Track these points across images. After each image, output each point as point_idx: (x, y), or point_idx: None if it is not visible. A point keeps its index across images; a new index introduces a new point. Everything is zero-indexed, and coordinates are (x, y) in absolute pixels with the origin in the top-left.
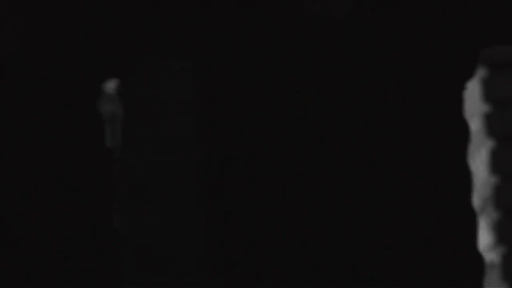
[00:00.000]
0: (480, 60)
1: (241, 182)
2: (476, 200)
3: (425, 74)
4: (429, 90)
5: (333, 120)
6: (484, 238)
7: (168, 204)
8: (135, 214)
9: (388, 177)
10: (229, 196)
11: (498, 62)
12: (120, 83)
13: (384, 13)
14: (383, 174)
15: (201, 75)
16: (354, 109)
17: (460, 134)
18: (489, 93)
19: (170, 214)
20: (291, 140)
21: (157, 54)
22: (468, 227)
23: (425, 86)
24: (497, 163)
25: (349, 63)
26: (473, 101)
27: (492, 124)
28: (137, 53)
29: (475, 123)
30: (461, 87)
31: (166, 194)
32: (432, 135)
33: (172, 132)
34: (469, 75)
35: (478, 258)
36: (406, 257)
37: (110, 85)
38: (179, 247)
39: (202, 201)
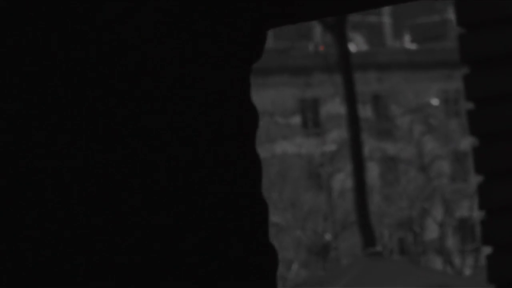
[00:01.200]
0: (462, 59)
1: None
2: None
3: (206, 58)
4: (211, 74)
5: (103, 115)
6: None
7: None
8: None
9: (173, 168)
10: None
11: (479, 59)
12: None
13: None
14: (169, 165)
15: None
16: (134, 101)
17: (246, 120)
18: (471, 90)
19: None
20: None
21: None
22: (258, 218)
23: (207, 70)
24: (480, 162)
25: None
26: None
27: (474, 122)
28: None
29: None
30: (246, 70)
31: None
32: (217, 122)
33: None
34: (255, 57)
35: (269, 251)
36: (197, 253)
37: None
38: None
39: None
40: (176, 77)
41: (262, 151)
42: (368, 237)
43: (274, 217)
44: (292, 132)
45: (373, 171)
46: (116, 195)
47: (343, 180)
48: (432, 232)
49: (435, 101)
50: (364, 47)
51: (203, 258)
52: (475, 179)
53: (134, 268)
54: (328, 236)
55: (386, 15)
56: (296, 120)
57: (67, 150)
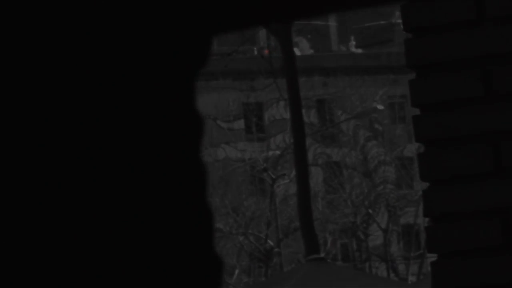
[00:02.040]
0: (407, 64)
1: None
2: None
3: (148, 63)
4: (152, 80)
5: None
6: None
7: None
8: None
9: (111, 175)
10: None
11: (425, 65)
12: None
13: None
14: (107, 173)
15: None
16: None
17: (191, 128)
18: (416, 96)
19: None
20: None
21: None
22: (202, 226)
23: (147, 76)
24: (425, 169)
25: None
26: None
27: (420, 128)
28: None
29: None
30: (189, 76)
31: None
32: (157, 129)
33: None
34: (199, 64)
35: (213, 258)
36: (135, 263)
37: None
38: None
39: None
40: (116, 82)
41: (205, 156)
42: (312, 243)
43: (217, 223)
44: (235, 137)
45: (317, 177)
46: (49, 200)
47: (286, 185)
48: (376, 238)
49: (380, 106)
50: (309, 51)
51: (142, 268)
52: (420, 186)
53: (74, 274)
54: (271, 242)
55: (331, 19)
56: (240, 124)
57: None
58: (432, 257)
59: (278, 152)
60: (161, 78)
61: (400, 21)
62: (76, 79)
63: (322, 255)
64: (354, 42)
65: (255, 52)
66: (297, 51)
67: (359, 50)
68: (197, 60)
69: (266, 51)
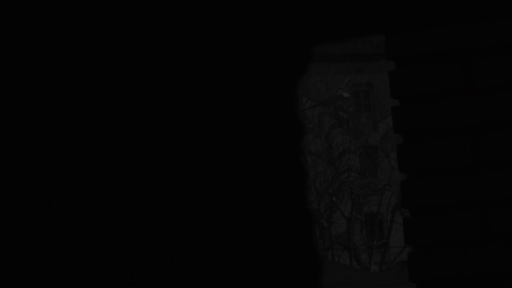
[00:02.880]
0: (388, 55)
1: None
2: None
3: (254, 71)
4: (259, 88)
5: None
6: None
7: None
8: None
9: (221, 177)
10: None
11: (405, 56)
12: None
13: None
14: (216, 174)
15: None
16: (184, 108)
17: (292, 132)
18: (396, 87)
19: None
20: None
21: None
22: (303, 227)
23: (254, 84)
24: (404, 160)
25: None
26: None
27: (399, 119)
28: None
29: None
30: (292, 84)
31: None
32: (264, 134)
33: None
34: (299, 72)
35: (314, 258)
36: (243, 260)
37: None
38: None
39: None
40: (222, 89)
41: None
42: None
43: None
44: None
45: None
46: (148, 197)
47: None
48: (339, 226)
49: (345, 94)
50: None
51: (249, 265)
52: (383, 175)
53: (169, 267)
54: None
55: None
56: None
57: (75, 149)
58: (394, 247)
59: None
60: (266, 85)
61: None
62: (193, 86)
63: None
64: None
65: None
66: None
67: None
68: (298, 69)
69: None
